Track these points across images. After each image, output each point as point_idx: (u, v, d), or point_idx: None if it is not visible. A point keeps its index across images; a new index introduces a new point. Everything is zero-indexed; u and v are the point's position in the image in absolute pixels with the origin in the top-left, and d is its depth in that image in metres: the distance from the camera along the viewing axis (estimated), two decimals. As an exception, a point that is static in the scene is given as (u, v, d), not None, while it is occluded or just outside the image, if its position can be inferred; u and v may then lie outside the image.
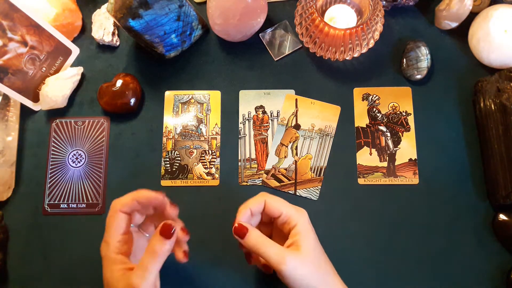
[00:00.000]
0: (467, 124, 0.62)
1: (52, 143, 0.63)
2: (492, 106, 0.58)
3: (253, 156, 0.62)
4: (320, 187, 0.60)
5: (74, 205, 0.60)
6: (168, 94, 0.64)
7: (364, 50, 0.61)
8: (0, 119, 0.62)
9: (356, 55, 0.61)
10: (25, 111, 0.64)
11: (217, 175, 0.61)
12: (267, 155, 0.62)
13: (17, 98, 0.61)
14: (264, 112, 0.63)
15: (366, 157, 0.61)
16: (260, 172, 0.61)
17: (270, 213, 0.48)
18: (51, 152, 0.62)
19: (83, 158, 0.62)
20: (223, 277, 0.57)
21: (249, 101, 0.64)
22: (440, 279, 0.57)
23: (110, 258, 0.45)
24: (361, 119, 0.63)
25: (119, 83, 0.62)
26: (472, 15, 0.63)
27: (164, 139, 0.63)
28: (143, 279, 0.43)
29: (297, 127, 0.63)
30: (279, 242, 0.47)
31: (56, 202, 0.60)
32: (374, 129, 0.62)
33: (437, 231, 0.58)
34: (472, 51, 0.64)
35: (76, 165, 0.62)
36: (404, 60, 0.63)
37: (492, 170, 0.57)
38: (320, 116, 0.63)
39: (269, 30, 0.66)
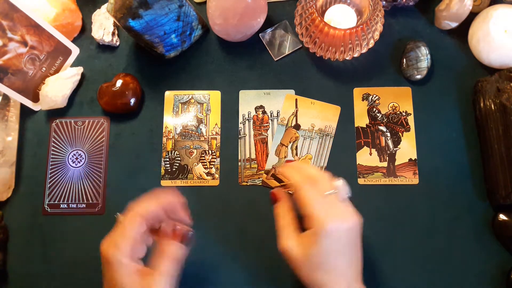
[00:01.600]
0: (467, 124, 0.62)
1: (52, 143, 0.63)
2: (492, 106, 0.58)
3: (253, 156, 0.62)
4: (320, 187, 0.60)
5: (74, 205, 0.60)
6: (168, 94, 0.64)
7: (364, 50, 0.61)
8: (0, 119, 0.62)
9: (356, 55, 0.61)
10: (25, 111, 0.64)
11: (217, 175, 0.61)
12: (267, 155, 0.62)
13: (17, 98, 0.61)
14: (264, 112, 0.63)
15: (366, 157, 0.61)
16: (260, 172, 0.61)
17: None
18: (51, 152, 0.62)
19: (83, 158, 0.62)
20: (223, 277, 0.57)
21: (249, 101, 0.64)
22: (440, 279, 0.57)
23: (122, 263, 0.43)
24: (361, 119, 0.63)
25: (119, 83, 0.62)
26: (472, 15, 0.63)
27: (164, 139, 0.63)
28: (165, 284, 0.43)
29: (297, 127, 0.63)
30: None
31: (56, 202, 0.60)
32: (374, 129, 0.62)
33: (437, 231, 0.58)
34: (472, 51, 0.64)
35: (76, 165, 0.62)
36: (404, 60, 0.63)
37: (492, 170, 0.57)
38: (320, 116, 0.63)
39: (269, 30, 0.66)
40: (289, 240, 0.48)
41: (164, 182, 0.61)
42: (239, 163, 0.62)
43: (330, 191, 0.48)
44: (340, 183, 0.49)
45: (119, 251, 0.44)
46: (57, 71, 0.64)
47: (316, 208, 0.47)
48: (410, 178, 0.60)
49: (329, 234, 0.45)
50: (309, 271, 0.47)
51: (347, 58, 0.62)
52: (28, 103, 0.63)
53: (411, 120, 0.62)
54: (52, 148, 0.62)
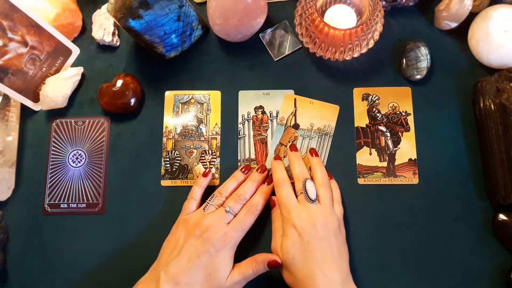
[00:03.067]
0: (467, 124, 0.62)
1: (52, 143, 0.63)
2: (492, 106, 0.58)
3: (253, 156, 0.62)
4: (320, 187, 0.60)
5: (74, 205, 0.60)
6: (168, 94, 0.65)
7: (364, 50, 0.61)
8: (0, 119, 0.62)
9: (356, 55, 0.61)
10: (25, 111, 0.64)
11: (217, 175, 0.61)
12: (266, 155, 0.62)
13: (17, 98, 0.61)
14: (263, 113, 0.63)
15: (365, 157, 0.61)
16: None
17: None
18: (51, 152, 0.62)
19: (83, 158, 0.62)
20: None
21: (248, 101, 0.64)
22: (440, 279, 0.57)
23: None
24: (361, 119, 0.63)
25: (119, 83, 0.62)
26: (472, 15, 0.63)
27: (164, 139, 0.63)
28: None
29: (296, 126, 0.63)
30: None
31: (56, 202, 0.60)
32: (374, 129, 0.62)
33: (437, 231, 0.58)
34: (472, 51, 0.64)
35: (76, 165, 0.62)
36: (404, 60, 0.63)
37: (492, 170, 0.57)
38: (319, 115, 0.63)
39: (269, 30, 0.66)
40: (276, 242, 0.54)
41: (164, 182, 0.61)
42: (239, 163, 0.62)
43: (300, 191, 0.54)
44: (308, 184, 0.54)
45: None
46: (57, 71, 0.64)
47: (284, 208, 0.53)
48: (410, 178, 0.60)
49: (292, 231, 0.51)
50: (290, 267, 0.51)
51: (347, 58, 0.62)
52: (29, 103, 0.63)
53: (411, 120, 0.62)
54: (52, 148, 0.63)
